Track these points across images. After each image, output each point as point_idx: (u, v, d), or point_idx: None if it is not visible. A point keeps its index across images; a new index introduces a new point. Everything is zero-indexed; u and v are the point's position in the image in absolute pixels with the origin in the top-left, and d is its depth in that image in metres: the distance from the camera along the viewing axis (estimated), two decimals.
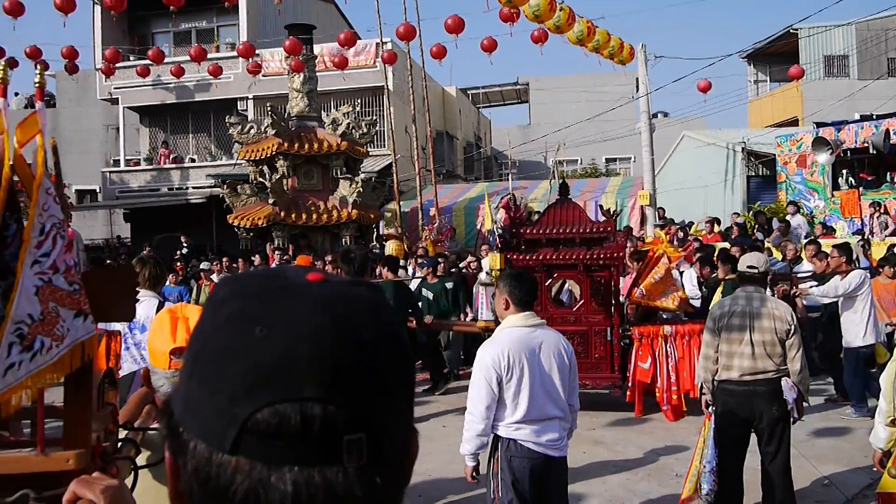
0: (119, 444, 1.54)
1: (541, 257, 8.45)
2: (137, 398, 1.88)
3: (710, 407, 5.40)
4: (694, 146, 23.63)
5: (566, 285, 9.86)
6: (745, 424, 5.29)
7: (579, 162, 36.15)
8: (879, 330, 8.27)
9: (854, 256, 9.29)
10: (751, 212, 18.27)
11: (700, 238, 14.32)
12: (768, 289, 6.49)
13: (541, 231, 8.64)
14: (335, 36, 18.40)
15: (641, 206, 19.03)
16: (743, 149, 21.44)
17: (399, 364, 0.71)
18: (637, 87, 20.93)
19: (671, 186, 21.63)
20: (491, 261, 11.84)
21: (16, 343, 1.22)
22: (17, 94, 30.93)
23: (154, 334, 1.97)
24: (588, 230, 8.57)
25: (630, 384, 8.43)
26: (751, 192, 21.51)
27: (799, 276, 9.99)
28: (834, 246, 9.11)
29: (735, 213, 17.77)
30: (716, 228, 15.98)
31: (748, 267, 5.38)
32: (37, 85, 1.44)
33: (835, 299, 8.44)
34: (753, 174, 21.85)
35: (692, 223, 17.94)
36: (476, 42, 16.57)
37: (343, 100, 21.25)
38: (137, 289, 2.28)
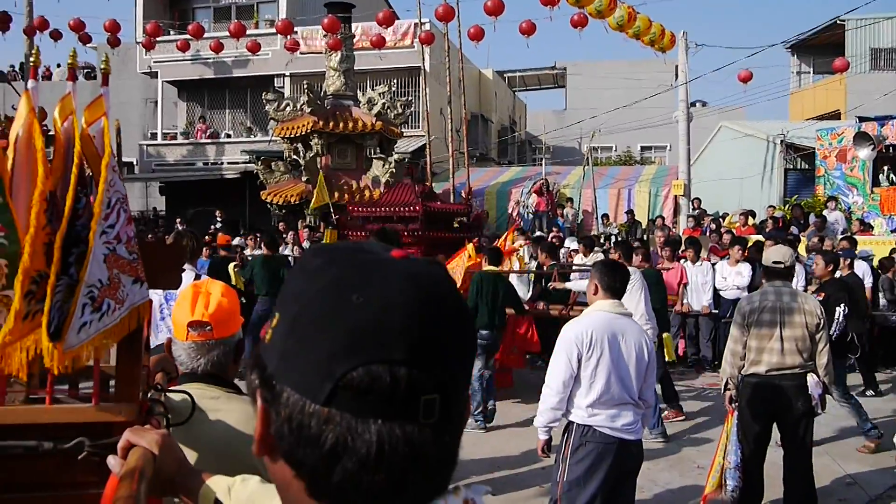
0: (150, 403, 1.63)
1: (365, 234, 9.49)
2: (153, 363, 1.96)
3: (734, 402, 5.41)
4: (732, 137, 23.31)
5: None
6: (768, 419, 5.29)
7: (614, 149, 35.87)
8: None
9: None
10: (787, 205, 18.06)
11: (733, 230, 14.20)
12: None
13: (365, 210, 9.94)
14: (374, 15, 18.43)
15: (675, 196, 18.90)
16: (782, 141, 21.12)
17: (468, 335, 0.81)
18: (676, 74, 20.71)
19: (707, 177, 21.38)
20: (326, 236, 12.04)
21: (88, 304, 1.32)
22: (59, 66, 31.40)
23: (177, 306, 2.06)
24: (403, 210, 9.66)
25: None
26: (788, 185, 21.21)
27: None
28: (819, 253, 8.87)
29: (771, 207, 17.57)
30: (750, 221, 15.83)
31: (773, 262, 5.36)
32: (101, 70, 1.51)
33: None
34: (792, 167, 21.53)
35: (726, 215, 17.78)
36: (514, 25, 16.53)
37: (379, 79, 21.29)
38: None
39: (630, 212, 19.40)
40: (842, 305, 7.38)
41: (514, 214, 19.98)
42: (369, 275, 0.76)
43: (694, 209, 18.12)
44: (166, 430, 1.47)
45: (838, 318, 7.30)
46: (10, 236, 1.33)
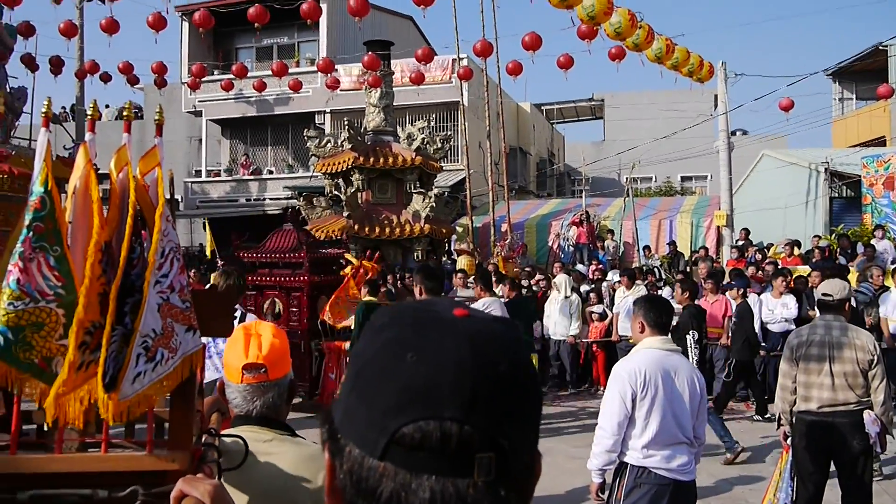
0: (203, 448, 1.63)
1: (255, 279, 10.08)
2: (206, 406, 1.97)
3: (788, 438, 5.27)
4: (774, 165, 23.02)
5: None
6: (823, 457, 5.14)
7: (654, 179, 35.66)
8: None
9: None
10: (833, 235, 17.70)
11: (779, 261, 13.94)
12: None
13: (255, 255, 10.44)
14: (412, 52, 18.66)
15: (718, 227, 18.66)
16: (826, 169, 20.80)
17: (528, 394, 0.80)
18: (715, 104, 20.57)
19: (749, 207, 21.08)
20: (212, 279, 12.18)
21: (142, 354, 1.33)
22: (107, 107, 32.31)
23: (229, 349, 2.07)
24: (289, 257, 10.25)
25: (319, 391, 9.98)
26: (834, 214, 20.82)
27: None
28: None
29: (816, 236, 17.24)
30: (796, 251, 15.54)
31: (823, 294, 5.24)
32: (156, 121, 1.54)
33: None
34: (837, 195, 21.15)
35: (771, 245, 17.48)
36: (551, 58, 16.58)
37: (418, 115, 21.50)
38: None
39: (672, 243, 19.20)
40: (691, 333, 8.05)
41: (555, 247, 19.89)
42: (427, 333, 0.78)
43: (739, 240, 17.86)
44: (219, 478, 1.47)
45: (691, 345, 7.97)
46: (67, 286, 1.36)
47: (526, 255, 18.33)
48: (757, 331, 10.49)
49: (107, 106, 32.29)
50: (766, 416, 9.47)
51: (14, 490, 1.34)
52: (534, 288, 13.10)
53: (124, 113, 1.51)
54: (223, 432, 1.84)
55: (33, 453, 1.40)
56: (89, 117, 1.48)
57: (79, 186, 1.45)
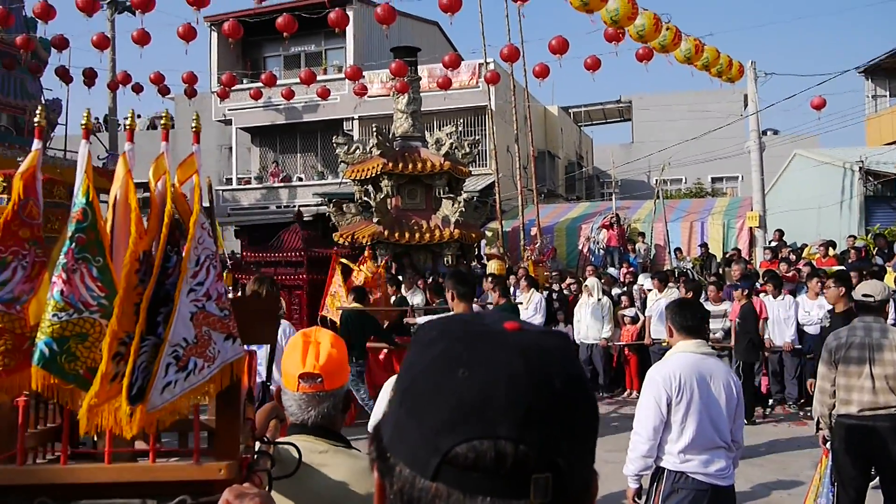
0: (255, 456, 1.63)
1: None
2: (264, 413, 1.97)
3: (828, 443, 5.17)
4: (807, 165, 22.69)
5: None
6: (864, 462, 5.04)
7: (684, 181, 35.31)
8: None
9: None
10: (869, 234, 17.40)
11: (813, 262, 13.73)
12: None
13: (259, 255, 10.93)
14: (438, 57, 18.68)
15: (750, 228, 18.44)
16: (860, 167, 20.46)
17: (585, 412, 0.77)
18: (745, 103, 20.34)
19: (782, 207, 20.80)
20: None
21: (172, 364, 1.33)
22: (139, 116, 32.77)
23: (286, 356, 2.06)
24: (290, 256, 10.67)
25: None
26: (869, 213, 20.47)
27: None
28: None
29: (851, 236, 16.95)
30: (831, 252, 15.29)
31: (863, 295, 5.14)
32: (193, 129, 1.55)
33: None
34: (871, 194, 20.80)
35: (805, 246, 17.23)
36: (578, 61, 16.47)
37: (445, 120, 21.52)
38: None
39: (704, 245, 19.00)
40: None
41: (585, 250, 19.78)
42: (477, 348, 0.75)
43: (772, 241, 17.63)
44: (269, 487, 1.47)
45: None
46: (110, 297, 1.36)
47: (556, 258, 18.24)
48: (793, 334, 10.34)
49: (138, 116, 32.77)
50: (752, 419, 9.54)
51: (67, 499, 1.35)
52: (564, 292, 13.04)
53: (161, 122, 1.52)
54: (279, 440, 1.84)
55: (84, 463, 1.41)
56: (127, 128, 1.49)
57: (119, 197, 1.46)
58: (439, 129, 17.96)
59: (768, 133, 32.24)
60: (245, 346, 1.49)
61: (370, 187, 17.34)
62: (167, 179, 1.46)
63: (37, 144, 1.44)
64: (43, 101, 20.72)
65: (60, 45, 14.50)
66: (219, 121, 27.30)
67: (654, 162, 25.69)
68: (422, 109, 18.23)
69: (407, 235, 16.10)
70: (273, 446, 1.79)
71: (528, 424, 0.70)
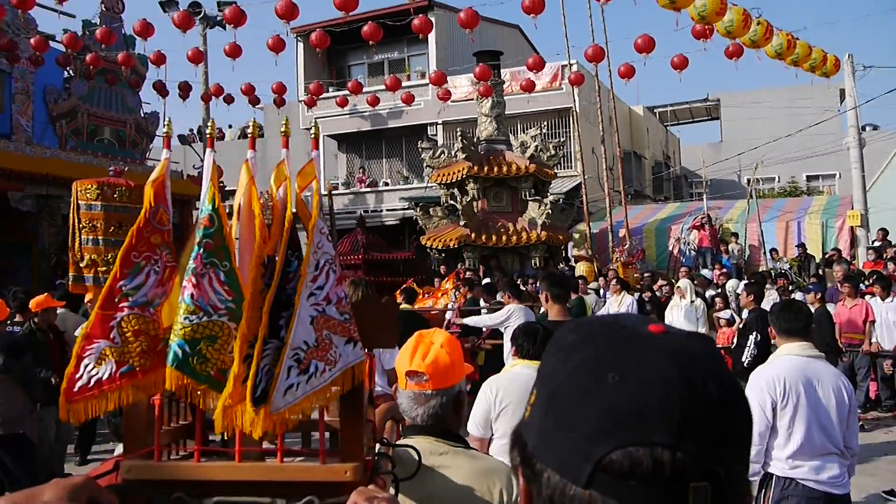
0: (376, 458, 1.64)
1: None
2: (381, 413, 1.99)
3: None
4: None
5: None
6: None
7: (777, 180, 34.14)
8: None
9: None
10: None
11: None
12: None
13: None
14: (520, 60, 18.62)
15: (851, 227, 17.69)
16: None
17: (741, 418, 0.74)
18: (841, 98, 19.53)
19: (885, 205, 19.86)
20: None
21: (294, 367, 1.35)
22: (230, 127, 33.82)
23: (400, 354, 2.09)
24: (347, 259, 10.81)
25: None
26: None
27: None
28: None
29: None
30: None
31: None
32: (313, 136, 1.58)
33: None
34: None
35: None
36: (663, 60, 16.16)
37: (529, 122, 21.42)
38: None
39: (801, 245, 18.32)
40: (754, 334, 8.42)
41: (675, 252, 19.36)
42: (626, 352, 0.73)
43: (876, 240, 16.85)
44: (396, 491, 1.48)
45: (749, 345, 8.41)
46: (237, 300, 1.40)
47: (645, 260, 17.91)
48: None
49: (230, 126, 33.84)
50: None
51: (200, 496, 1.39)
52: (657, 293, 12.78)
53: (282, 130, 1.55)
54: (398, 442, 1.86)
55: (216, 461, 1.44)
56: (250, 135, 1.52)
57: (243, 203, 1.49)
58: (523, 132, 17.92)
59: (867, 129, 30.90)
60: (366, 350, 1.50)
61: (456, 191, 17.42)
62: (288, 185, 1.49)
63: (165, 154, 1.49)
64: (143, 115, 21.63)
65: (158, 61, 15.10)
66: (306, 129, 27.93)
67: (744, 161, 24.93)
68: (505, 112, 18.20)
69: (494, 238, 16.10)
70: (392, 448, 1.80)
71: (684, 431, 0.68)
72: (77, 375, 1.43)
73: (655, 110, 36.16)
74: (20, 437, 6.27)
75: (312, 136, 1.60)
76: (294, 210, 1.45)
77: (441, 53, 25.96)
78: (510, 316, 8.78)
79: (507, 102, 18.61)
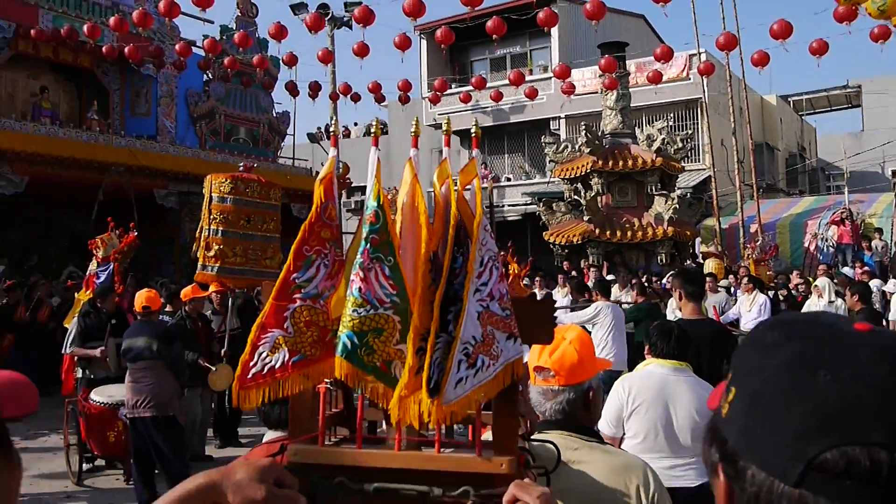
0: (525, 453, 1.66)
1: None
2: None
3: None
4: None
5: None
6: None
7: None
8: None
9: None
10: None
11: None
12: None
13: None
14: (647, 51, 18.19)
15: None
16: None
17: None
18: None
19: None
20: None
21: (463, 360, 1.39)
22: (356, 124, 34.73)
23: (531, 350, 2.11)
24: None
25: None
26: None
27: None
28: None
29: None
30: None
31: None
32: (473, 135, 1.61)
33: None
34: None
35: None
36: (798, 46, 15.34)
37: (655, 114, 20.91)
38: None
39: None
40: None
41: (812, 248, 18.43)
42: (834, 350, 0.72)
43: None
44: (548, 484, 1.50)
45: None
46: (400, 294, 1.45)
47: (779, 257, 17.15)
48: None
49: (355, 124, 34.76)
50: None
51: (360, 482, 1.44)
52: (792, 292, 12.23)
53: (412, 130, 1.59)
54: (534, 437, 1.88)
55: (375, 449, 1.50)
56: (413, 133, 1.57)
57: (406, 201, 1.54)
58: (649, 125, 17.51)
59: None
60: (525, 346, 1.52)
61: (580, 185, 17.24)
62: (451, 183, 1.52)
63: (332, 152, 1.56)
64: (275, 114, 22.54)
65: (291, 62, 15.69)
66: (429, 125, 28.31)
67: (888, 151, 23.45)
68: (631, 105, 17.84)
69: (618, 234, 15.85)
70: (528, 443, 1.81)
71: None
72: (251, 363, 1.51)
73: (790, 99, 34.47)
74: (171, 418, 6.67)
75: (444, 132, 1.63)
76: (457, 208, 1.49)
77: (564, 46, 25.71)
78: (598, 313, 8.71)
79: (633, 94, 18.24)
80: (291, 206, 20.33)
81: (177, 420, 6.76)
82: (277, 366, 1.51)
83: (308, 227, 1.52)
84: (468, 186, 1.54)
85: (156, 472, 6.70)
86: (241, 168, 8.86)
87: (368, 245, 1.46)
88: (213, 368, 7.81)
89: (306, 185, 21.04)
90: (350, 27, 25.56)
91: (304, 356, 1.51)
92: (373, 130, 1.58)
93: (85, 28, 15.20)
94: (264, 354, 1.51)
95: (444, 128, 1.71)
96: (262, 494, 1.11)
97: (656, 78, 18.33)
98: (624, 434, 3.93)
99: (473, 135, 1.63)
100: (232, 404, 8.28)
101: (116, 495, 7.06)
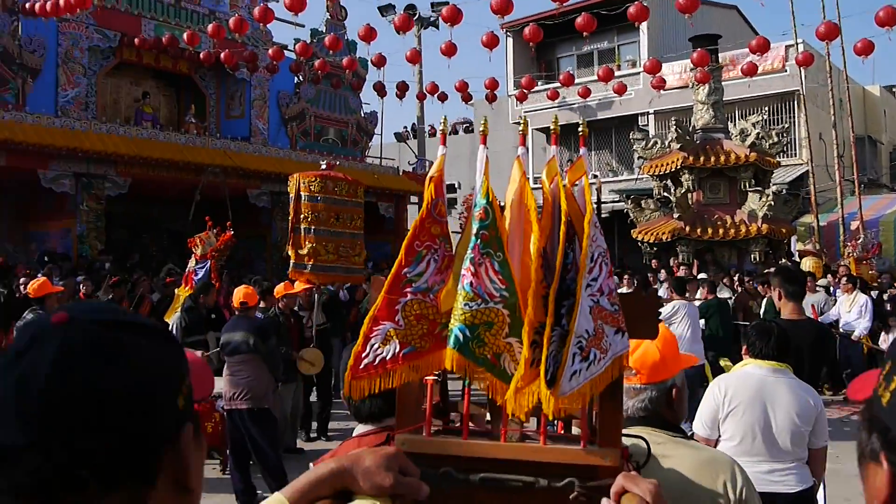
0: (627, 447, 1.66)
1: None
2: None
3: None
4: None
5: None
6: None
7: None
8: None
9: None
10: None
11: None
12: None
13: None
14: (740, 43, 17.68)
15: None
16: None
17: None
18: None
19: None
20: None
21: (577, 353, 1.41)
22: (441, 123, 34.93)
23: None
24: None
25: None
26: None
27: None
28: None
29: None
30: None
31: None
32: (580, 133, 1.63)
33: None
34: None
35: None
36: None
37: (749, 108, 20.32)
38: None
39: None
40: None
41: None
42: None
43: None
44: (656, 480, 1.50)
45: None
46: (509, 289, 1.47)
47: (882, 255, 16.39)
48: None
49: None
50: None
51: (466, 472, 1.47)
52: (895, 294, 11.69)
53: (551, 127, 1.62)
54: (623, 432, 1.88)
55: (482, 439, 1.53)
56: (481, 132, 1.59)
57: (514, 198, 1.57)
58: (743, 119, 17.02)
59: None
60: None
61: (669, 182, 16.91)
62: (559, 181, 1.54)
63: (441, 150, 1.59)
64: (363, 115, 22.92)
65: (379, 63, 15.91)
66: (515, 123, 28.24)
67: None
68: (723, 99, 17.38)
69: (710, 231, 15.47)
70: None
71: None
72: (363, 354, 1.56)
73: (894, 89, 32.90)
74: (265, 411, 6.88)
75: (520, 132, 1.65)
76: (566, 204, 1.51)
77: (653, 41, 25.23)
78: (676, 311, 8.65)
79: (725, 88, 17.76)
80: (379, 205, 20.66)
81: (271, 412, 6.97)
82: (388, 357, 1.55)
83: (419, 224, 1.56)
84: (576, 183, 1.55)
85: (251, 462, 6.92)
86: (324, 166, 9.06)
87: (479, 241, 1.49)
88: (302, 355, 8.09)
89: (393, 184, 21.35)
90: (437, 27, 25.71)
91: (413, 348, 1.55)
92: (481, 129, 1.61)
93: (185, 36, 15.82)
94: (376, 346, 1.56)
95: (521, 128, 1.73)
96: (389, 481, 1.16)
97: (751, 70, 17.77)
98: (719, 436, 3.86)
99: (580, 133, 1.64)
100: (319, 398, 8.47)
101: (213, 484, 7.32)
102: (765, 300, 10.90)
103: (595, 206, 1.51)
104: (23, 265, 14.18)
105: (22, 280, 11.31)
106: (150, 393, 0.76)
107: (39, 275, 10.51)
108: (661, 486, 1.81)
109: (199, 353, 8.11)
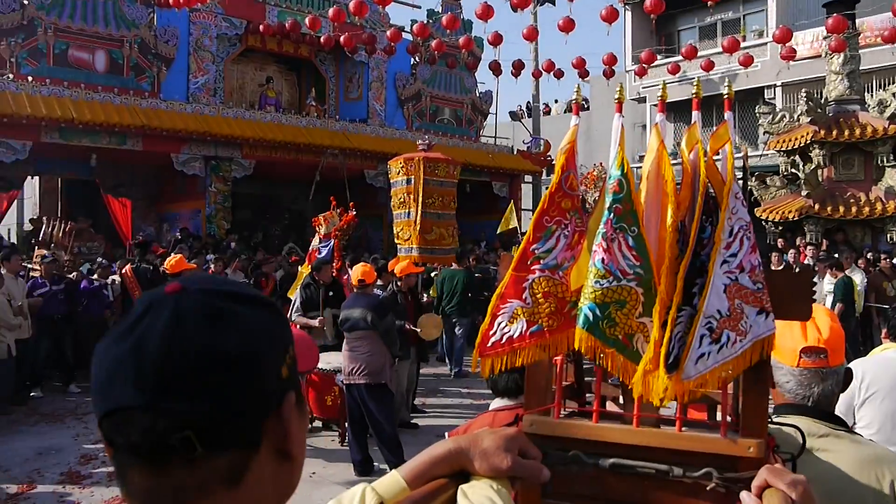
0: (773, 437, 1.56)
1: None
2: None
3: None
4: None
5: None
6: None
7: None
8: None
9: None
10: None
11: None
12: None
13: None
14: (881, 6, 16.51)
15: None
16: None
17: None
18: None
19: None
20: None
21: (706, 335, 1.32)
22: (556, 102, 34.47)
23: (782, 329, 1.96)
24: None
25: None
26: None
27: None
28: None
29: None
30: None
31: None
32: (726, 97, 1.53)
33: None
34: None
35: None
36: None
37: (890, 77, 18.99)
38: None
39: None
40: None
41: None
42: None
43: None
44: (794, 471, 1.40)
45: None
46: (644, 266, 1.40)
47: None
48: None
49: (556, 101, 34.50)
50: None
51: (596, 456, 1.42)
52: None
53: (616, 97, 1.53)
54: (775, 420, 1.76)
55: (614, 424, 1.47)
56: (659, 98, 1.51)
57: (651, 168, 1.49)
58: (882, 89, 15.93)
59: None
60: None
61: (798, 158, 16.06)
62: (700, 149, 1.45)
63: (574, 120, 1.53)
64: (478, 94, 22.87)
65: (495, 42, 15.81)
66: (633, 99, 27.50)
67: None
68: (860, 68, 16.31)
69: (841, 209, 14.62)
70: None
71: None
72: (491, 332, 1.53)
73: None
74: (383, 386, 7.01)
75: (659, 97, 1.55)
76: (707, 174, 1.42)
77: (781, 8, 23.95)
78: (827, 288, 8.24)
79: (862, 56, 16.66)
80: (493, 184, 20.63)
81: (388, 388, 7.10)
82: (515, 335, 1.51)
83: (549, 197, 1.51)
84: (718, 152, 1.46)
85: (369, 435, 7.08)
86: (422, 146, 9.05)
87: (612, 215, 1.42)
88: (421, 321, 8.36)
89: (507, 163, 21.25)
90: (553, 3, 25.32)
91: (541, 327, 1.50)
92: (616, 97, 1.53)
93: (307, 20, 16.21)
94: (503, 324, 1.52)
95: (661, 94, 1.64)
96: (507, 463, 1.13)
97: (892, 37, 16.60)
98: (854, 423, 3.64)
99: (726, 97, 1.55)
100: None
101: (332, 455, 7.55)
102: None
103: (740, 176, 1.41)
104: (157, 244, 15.00)
105: (158, 257, 11.99)
106: (256, 359, 0.79)
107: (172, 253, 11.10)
108: (813, 482, 1.70)
109: (316, 321, 8.40)
